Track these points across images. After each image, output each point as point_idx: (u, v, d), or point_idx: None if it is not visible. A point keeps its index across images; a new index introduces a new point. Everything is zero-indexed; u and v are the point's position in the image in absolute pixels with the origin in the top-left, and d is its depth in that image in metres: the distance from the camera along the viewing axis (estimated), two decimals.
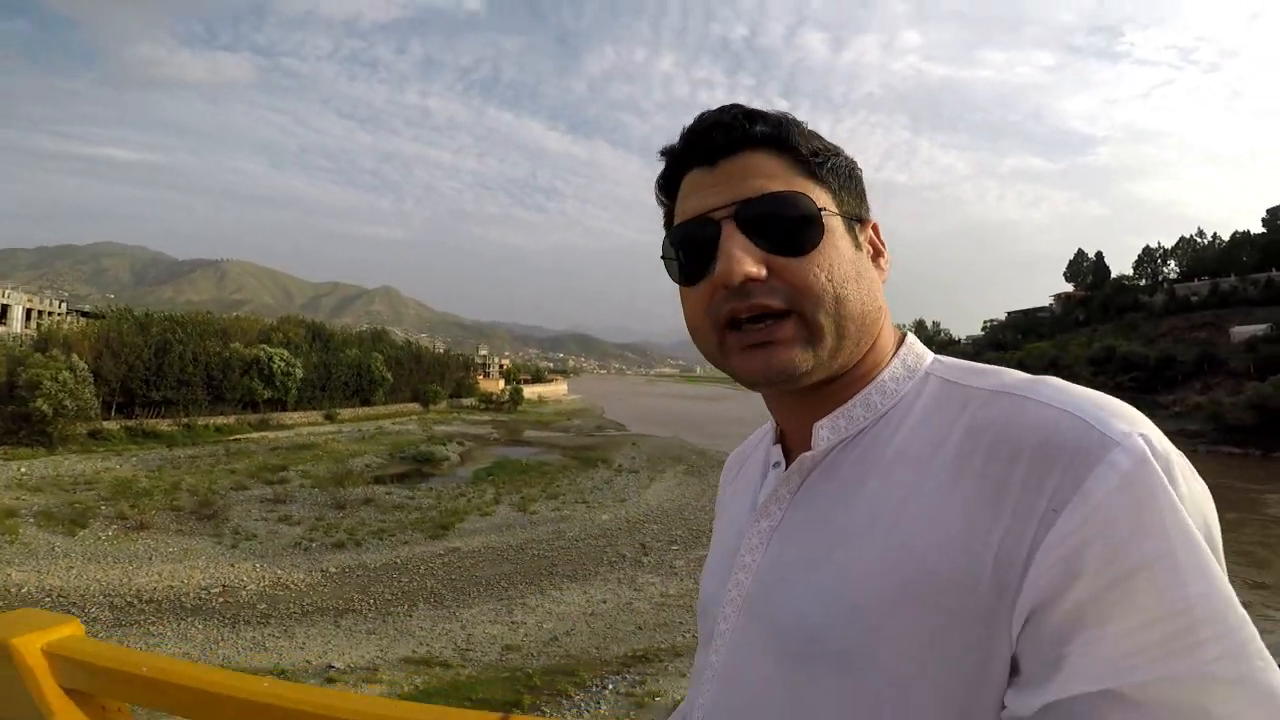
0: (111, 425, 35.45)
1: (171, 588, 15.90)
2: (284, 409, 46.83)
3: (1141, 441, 0.43)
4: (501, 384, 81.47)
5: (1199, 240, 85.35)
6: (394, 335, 75.35)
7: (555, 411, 76.32)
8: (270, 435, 40.75)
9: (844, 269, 0.55)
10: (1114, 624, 0.39)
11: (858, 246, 0.58)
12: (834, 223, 0.56)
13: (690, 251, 0.58)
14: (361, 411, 54.36)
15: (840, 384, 0.58)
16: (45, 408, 29.24)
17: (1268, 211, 78.74)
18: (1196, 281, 76.35)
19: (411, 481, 31.40)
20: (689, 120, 0.59)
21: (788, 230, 0.55)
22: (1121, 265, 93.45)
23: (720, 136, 0.57)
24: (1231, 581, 0.40)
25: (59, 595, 14.73)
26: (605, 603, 17.11)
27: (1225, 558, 0.41)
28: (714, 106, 0.59)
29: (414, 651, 13.73)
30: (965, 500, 0.47)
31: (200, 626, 13.95)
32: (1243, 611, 0.40)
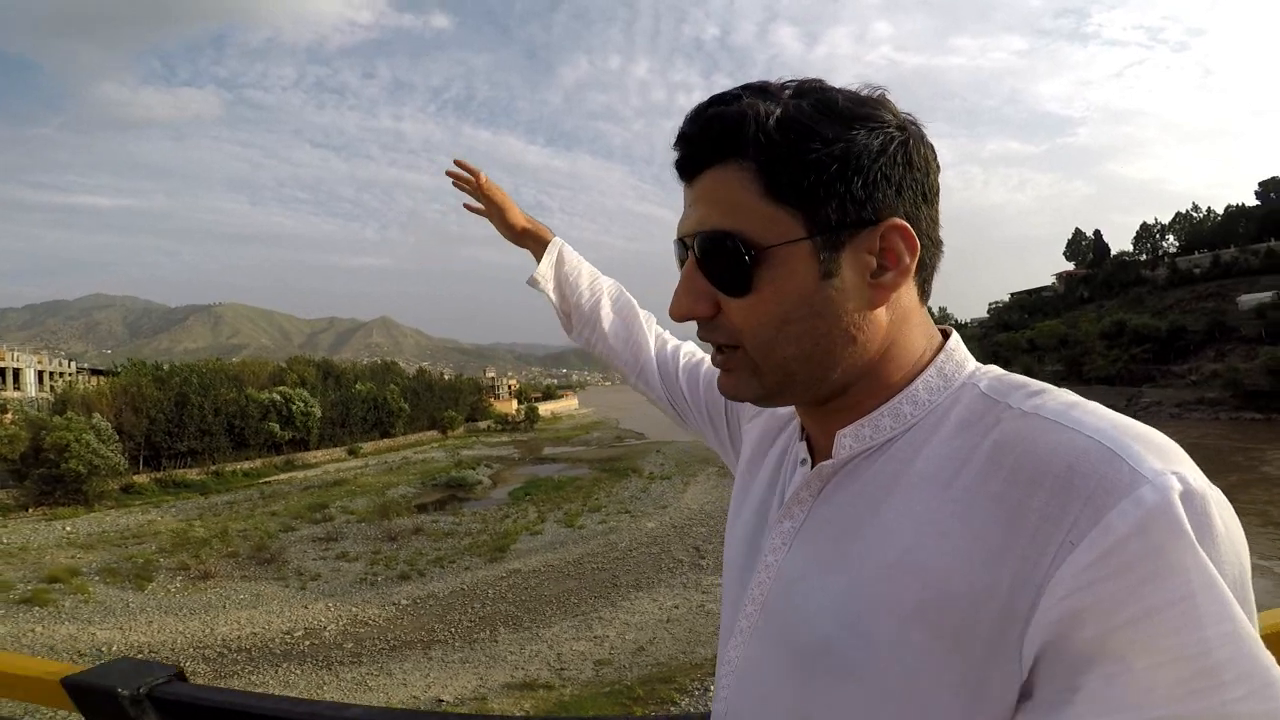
0: (141, 478, 35.31)
1: (255, 634, 15.88)
2: (306, 448, 46.64)
3: (1174, 480, 0.41)
4: (515, 404, 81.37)
5: (1195, 215, 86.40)
6: (402, 366, 75.24)
7: (571, 426, 76.36)
8: (299, 475, 40.68)
9: (785, 310, 0.52)
10: (1132, 660, 0.39)
11: (827, 273, 0.52)
12: (789, 254, 0.51)
13: (681, 266, 0.58)
14: (383, 444, 54.20)
15: (864, 391, 0.56)
16: (80, 468, 29.20)
17: (1260, 184, 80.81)
18: (1197, 254, 76.72)
19: (453, 507, 31.42)
20: (672, 124, 0.56)
21: (724, 271, 0.53)
22: (1116, 243, 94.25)
23: (685, 153, 0.55)
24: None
25: (150, 651, 14.68)
26: (678, 608, 17.21)
27: (1254, 523, 0.44)
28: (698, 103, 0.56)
29: (513, 677, 13.78)
30: (982, 524, 0.46)
31: (298, 671, 13.95)
32: (1269, 654, 0.40)
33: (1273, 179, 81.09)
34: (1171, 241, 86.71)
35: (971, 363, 0.57)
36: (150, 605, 17.51)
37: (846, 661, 0.50)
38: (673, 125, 0.55)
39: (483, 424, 71.70)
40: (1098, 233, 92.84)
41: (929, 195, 0.55)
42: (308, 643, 15.50)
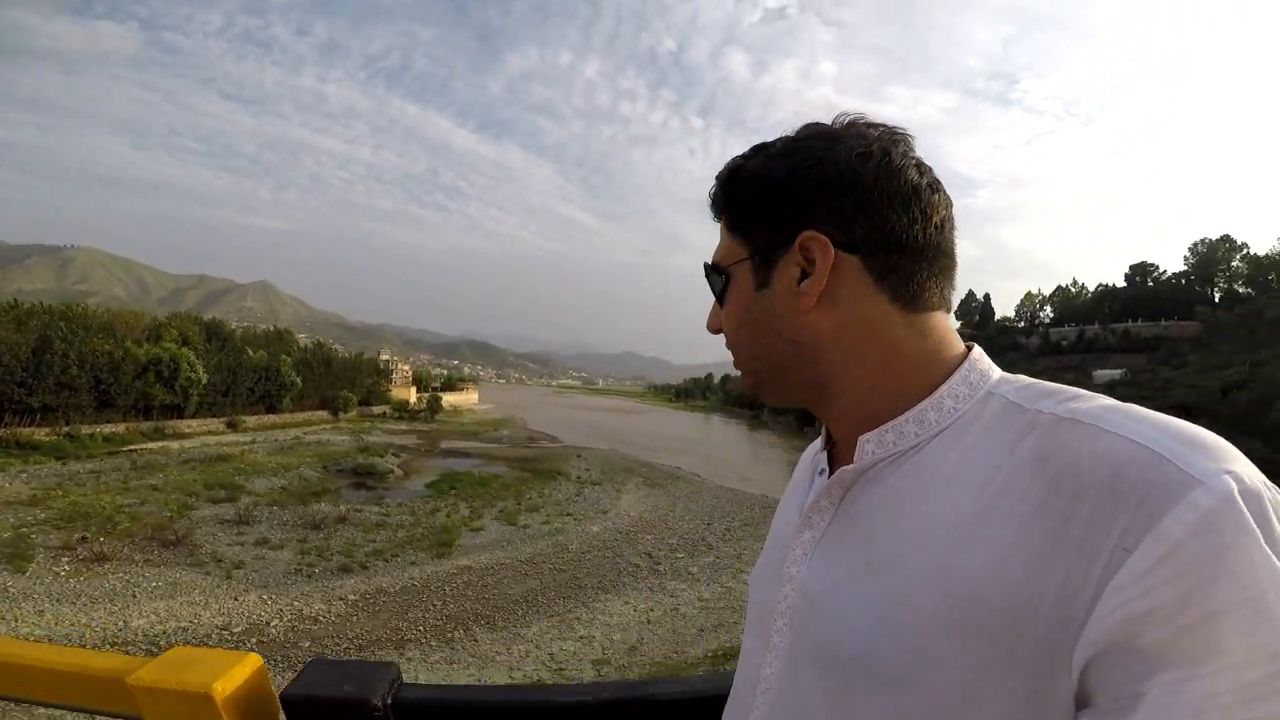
0: None
1: (182, 629, 13.31)
2: (180, 415, 41.02)
3: (1229, 480, 0.40)
4: (414, 391, 76.54)
5: (1071, 290, 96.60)
6: (296, 336, 68.62)
7: (475, 421, 72.63)
8: (172, 446, 35.46)
9: (734, 318, 0.62)
10: (1199, 665, 0.38)
11: (761, 284, 0.59)
12: (737, 271, 0.61)
13: None
14: (267, 419, 48.72)
15: (887, 397, 0.56)
16: None
17: (1130, 268, 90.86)
18: (1066, 327, 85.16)
19: (371, 496, 28.71)
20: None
21: (713, 290, 0.64)
22: (996, 307, 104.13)
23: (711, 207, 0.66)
24: None
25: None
26: (653, 610, 16.80)
27: None
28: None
29: (512, 677, 12.55)
30: (1025, 533, 0.44)
31: None
32: None
33: (1141, 264, 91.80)
34: (1048, 312, 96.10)
35: (997, 372, 0.57)
36: (38, 591, 14.18)
37: (887, 674, 0.48)
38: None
39: (378, 409, 66.79)
40: (987, 296, 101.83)
41: (876, 202, 0.55)
42: (253, 639, 13.19)
